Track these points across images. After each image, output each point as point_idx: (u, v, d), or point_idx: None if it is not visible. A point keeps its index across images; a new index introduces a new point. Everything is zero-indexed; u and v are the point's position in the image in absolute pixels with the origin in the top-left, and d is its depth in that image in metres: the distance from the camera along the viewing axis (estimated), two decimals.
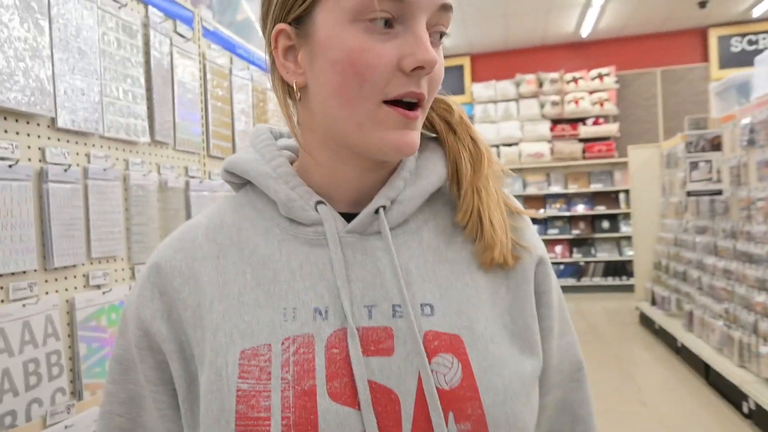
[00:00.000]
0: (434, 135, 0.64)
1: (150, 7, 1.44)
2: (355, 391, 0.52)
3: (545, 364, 0.62)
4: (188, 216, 1.52)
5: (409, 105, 0.53)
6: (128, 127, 1.31)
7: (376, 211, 0.57)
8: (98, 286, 1.21)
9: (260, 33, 0.61)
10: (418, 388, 0.52)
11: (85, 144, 1.21)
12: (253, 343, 0.54)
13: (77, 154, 1.18)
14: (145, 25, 1.42)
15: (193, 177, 1.56)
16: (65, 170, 1.13)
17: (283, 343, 0.54)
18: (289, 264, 0.57)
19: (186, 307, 0.58)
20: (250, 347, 0.54)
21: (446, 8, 0.54)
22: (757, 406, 3.25)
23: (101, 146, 1.25)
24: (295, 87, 0.57)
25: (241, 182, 0.64)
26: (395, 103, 0.53)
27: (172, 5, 1.54)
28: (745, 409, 3.45)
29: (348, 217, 0.59)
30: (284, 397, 0.52)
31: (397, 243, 0.58)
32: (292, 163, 0.63)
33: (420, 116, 0.55)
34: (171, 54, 1.50)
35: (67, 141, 1.16)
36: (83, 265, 1.18)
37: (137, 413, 0.62)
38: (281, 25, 0.56)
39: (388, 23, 0.51)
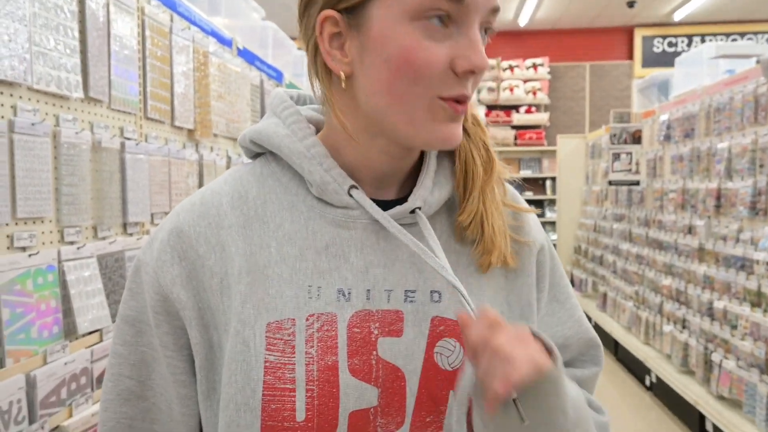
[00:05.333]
0: None
1: None
2: (371, 368, 0.56)
3: None
4: (123, 179, 1.45)
5: (458, 100, 0.55)
6: (59, 81, 1.23)
7: (412, 211, 0.60)
8: (23, 248, 1.14)
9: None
10: (423, 367, 0.57)
11: (11, 95, 1.12)
12: (278, 317, 0.56)
13: (2, 105, 1.10)
14: None
15: (129, 138, 1.49)
16: None
17: (307, 319, 0.56)
18: (314, 243, 0.58)
19: (213, 274, 0.58)
20: (275, 320, 0.56)
21: (496, 10, 0.56)
22: (658, 379, 3.57)
23: (29, 99, 1.16)
24: (342, 76, 0.56)
25: (260, 150, 0.64)
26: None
27: None
28: (647, 382, 3.78)
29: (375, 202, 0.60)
30: (309, 370, 0.55)
31: (413, 233, 0.59)
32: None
33: (466, 111, 0.57)
34: (107, 5, 1.41)
35: None
36: (7, 225, 1.10)
37: (147, 375, 0.62)
38: (329, 11, 0.54)
39: (444, 22, 0.52)
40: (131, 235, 1.51)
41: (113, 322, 1.38)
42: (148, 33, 1.60)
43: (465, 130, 0.62)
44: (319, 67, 0.58)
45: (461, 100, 0.55)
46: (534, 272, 0.65)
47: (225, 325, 0.58)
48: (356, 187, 0.59)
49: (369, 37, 0.53)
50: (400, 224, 0.59)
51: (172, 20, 1.75)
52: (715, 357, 2.90)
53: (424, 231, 0.59)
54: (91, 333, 1.31)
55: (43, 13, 1.18)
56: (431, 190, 0.61)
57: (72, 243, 1.28)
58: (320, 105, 0.64)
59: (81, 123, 1.32)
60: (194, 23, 1.91)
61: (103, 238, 1.40)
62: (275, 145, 0.61)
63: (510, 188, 0.67)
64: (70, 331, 1.25)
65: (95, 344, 1.31)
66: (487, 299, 0.61)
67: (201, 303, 0.58)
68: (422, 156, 0.63)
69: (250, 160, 0.67)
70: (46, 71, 1.19)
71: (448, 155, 0.64)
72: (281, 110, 0.62)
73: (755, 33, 7.35)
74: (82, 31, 1.32)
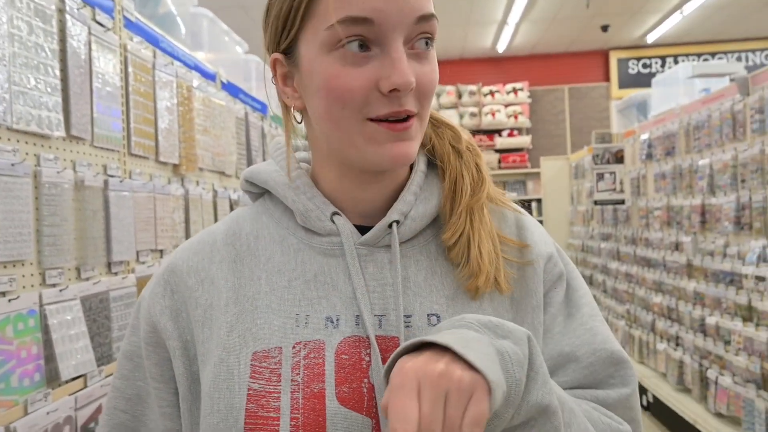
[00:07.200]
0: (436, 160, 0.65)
1: None
2: (362, 397, 0.54)
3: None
4: (107, 217, 1.42)
5: (399, 119, 0.55)
6: (40, 120, 1.20)
7: (389, 225, 0.59)
8: (3, 293, 1.10)
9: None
10: None
11: None
12: (265, 346, 0.56)
13: None
14: (61, 11, 1.31)
15: (112, 176, 1.46)
16: None
17: (294, 347, 0.56)
18: (303, 273, 0.59)
19: (197, 305, 0.60)
20: (261, 349, 0.56)
21: (425, 18, 0.54)
22: (655, 398, 3.54)
23: (9, 139, 1.14)
24: (293, 110, 0.61)
25: (258, 192, 0.67)
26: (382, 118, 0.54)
27: None
28: (644, 402, 3.74)
29: (359, 229, 0.61)
30: (294, 398, 0.54)
31: (406, 256, 0.60)
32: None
33: (415, 125, 0.56)
34: (89, 43, 1.40)
35: None
36: None
37: (141, 411, 0.63)
38: (275, 55, 0.59)
39: (364, 46, 0.53)
40: (116, 274, 1.47)
41: (98, 366, 1.32)
42: (131, 69, 1.58)
43: (458, 152, 0.64)
44: (281, 104, 0.63)
45: (398, 118, 0.54)
46: (540, 291, 0.62)
47: (205, 356, 0.58)
48: (338, 214, 0.60)
49: (302, 73, 0.57)
50: (379, 247, 0.59)
51: (155, 56, 1.74)
52: (711, 374, 2.88)
53: (392, 247, 0.58)
54: (74, 379, 1.25)
55: (23, 52, 1.16)
56: (413, 205, 0.61)
57: (54, 285, 1.24)
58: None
59: (63, 162, 1.29)
60: (177, 58, 1.90)
61: (87, 279, 1.35)
62: (263, 180, 0.64)
63: (512, 215, 0.65)
64: (52, 378, 1.20)
65: (79, 390, 1.26)
66: None
67: (186, 335, 0.60)
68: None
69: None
70: (27, 110, 1.16)
71: (438, 174, 0.64)
72: (274, 152, 0.67)
73: (725, 52, 7.57)
74: (64, 69, 1.30)
